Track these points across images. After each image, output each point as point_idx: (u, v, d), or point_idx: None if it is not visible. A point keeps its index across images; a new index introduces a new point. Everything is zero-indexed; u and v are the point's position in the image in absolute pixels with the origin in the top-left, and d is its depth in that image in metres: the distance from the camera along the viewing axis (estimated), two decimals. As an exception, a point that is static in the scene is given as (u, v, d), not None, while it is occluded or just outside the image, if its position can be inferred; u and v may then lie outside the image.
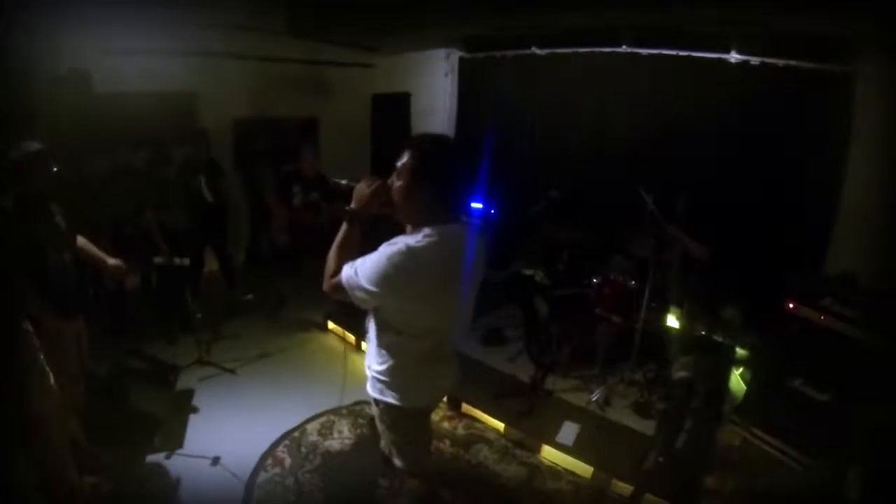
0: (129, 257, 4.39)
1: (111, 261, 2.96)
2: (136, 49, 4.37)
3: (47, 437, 2.39)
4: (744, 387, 3.98)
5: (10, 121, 3.30)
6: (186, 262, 3.95)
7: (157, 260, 3.96)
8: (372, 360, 2.10)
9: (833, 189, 3.63)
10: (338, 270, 1.92)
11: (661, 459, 1.42)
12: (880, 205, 3.32)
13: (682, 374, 1.68)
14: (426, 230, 1.85)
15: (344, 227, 1.99)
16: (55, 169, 2.66)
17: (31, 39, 3.54)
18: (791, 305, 3.28)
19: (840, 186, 3.61)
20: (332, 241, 1.98)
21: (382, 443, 2.31)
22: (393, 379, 2.04)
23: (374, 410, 2.25)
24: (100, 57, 4.33)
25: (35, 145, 2.61)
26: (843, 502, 2.58)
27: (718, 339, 4.39)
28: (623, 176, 4.50)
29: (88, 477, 2.79)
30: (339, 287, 1.89)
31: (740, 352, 4.41)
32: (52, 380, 2.40)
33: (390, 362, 2.02)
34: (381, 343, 2.03)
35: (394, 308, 1.91)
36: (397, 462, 2.27)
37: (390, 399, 2.07)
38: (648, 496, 2.95)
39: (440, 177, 1.86)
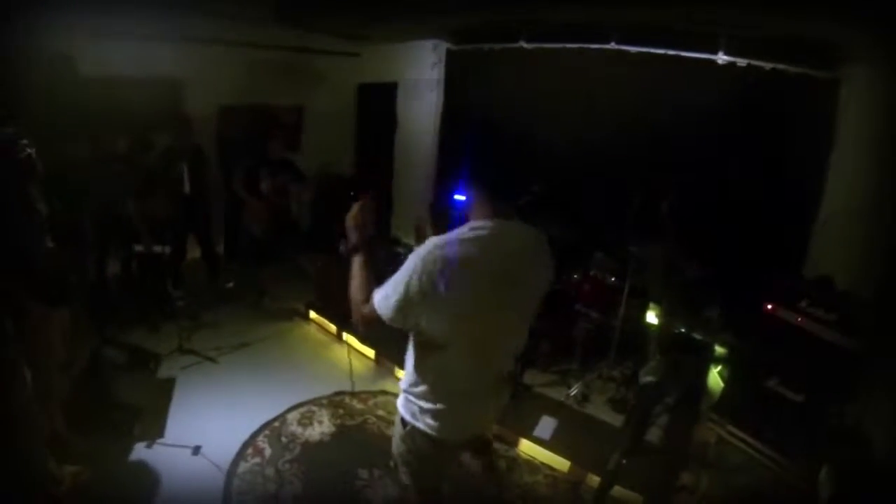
0: (110, 244, 4.43)
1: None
2: (122, 34, 4.28)
3: (24, 430, 2.37)
4: (721, 384, 4.08)
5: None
6: (167, 250, 3.92)
7: (138, 248, 3.93)
8: (407, 379, 1.87)
9: (814, 193, 3.70)
10: (365, 300, 1.75)
11: (624, 461, 1.41)
12: (861, 210, 3.38)
13: (648, 378, 1.70)
14: (473, 223, 1.68)
15: (353, 263, 1.85)
16: (29, 151, 2.55)
17: (14, 23, 3.45)
18: (769, 307, 3.35)
19: (821, 190, 3.67)
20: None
21: (395, 454, 2.03)
22: (430, 404, 1.78)
23: (396, 424, 1.97)
24: (86, 41, 4.25)
25: (6, 130, 2.52)
26: (816, 502, 2.67)
27: (697, 336, 4.50)
28: (607, 173, 4.56)
29: (68, 466, 2.79)
30: (372, 312, 1.70)
31: (719, 350, 4.52)
32: (27, 373, 2.39)
33: (429, 384, 1.78)
34: (420, 361, 1.80)
35: (434, 313, 1.63)
36: (404, 481, 2.02)
37: (423, 426, 1.81)
38: (621, 490, 3.04)
39: (483, 161, 1.72)
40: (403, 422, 1.89)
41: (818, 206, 3.69)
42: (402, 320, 1.65)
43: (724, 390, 3.82)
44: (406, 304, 1.60)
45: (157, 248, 3.88)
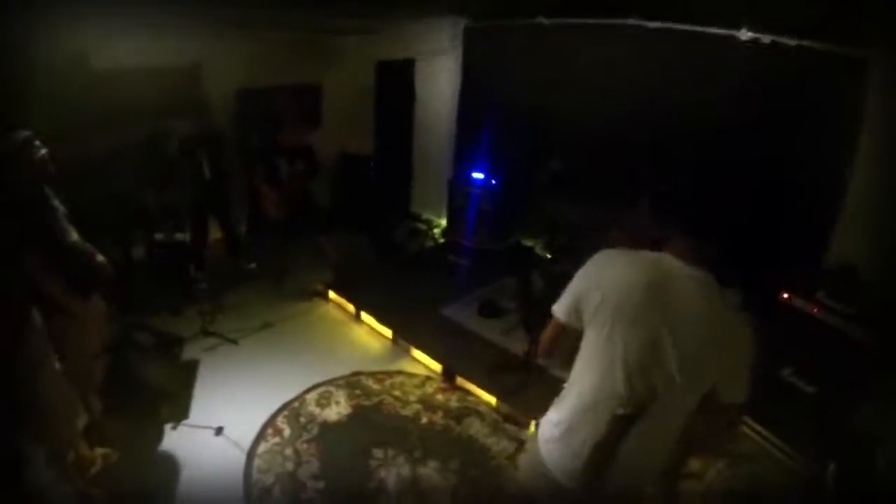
0: (133, 232, 4.57)
1: (99, 257, 2.94)
2: (136, 23, 4.29)
3: (56, 417, 2.51)
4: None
5: (8, 104, 3.32)
6: (187, 237, 4.02)
7: (158, 237, 4.04)
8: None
9: (840, 178, 3.55)
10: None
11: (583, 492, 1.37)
12: (888, 198, 3.24)
13: (620, 412, 1.62)
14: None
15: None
16: (43, 152, 2.66)
17: (27, 18, 3.49)
18: (786, 295, 3.28)
19: (847, 176, 3.52)
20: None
21: None
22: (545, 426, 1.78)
23: None
24: (99, 33, 4.26)
25: (24, 133, 2.62)
26: (822, 495, 2.66)
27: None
28: (626, 151, 4.46)
29: (98, 449, 2.97)
30: (552, 329, 1.76)
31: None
32: (56, 364, 2.51)
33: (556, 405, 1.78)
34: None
35: (584, 310, 1.63)
36: None
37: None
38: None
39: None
40: None
41: (843, 193, 3.54)
42: (566, 320, 1.71)
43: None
44: (562, 302, 1.73)
45: (178, 236, 3.98)
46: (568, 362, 1.74)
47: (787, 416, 3.20)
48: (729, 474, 3.03)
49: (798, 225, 3.65)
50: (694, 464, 3.18)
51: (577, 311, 1.67)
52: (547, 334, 1.83)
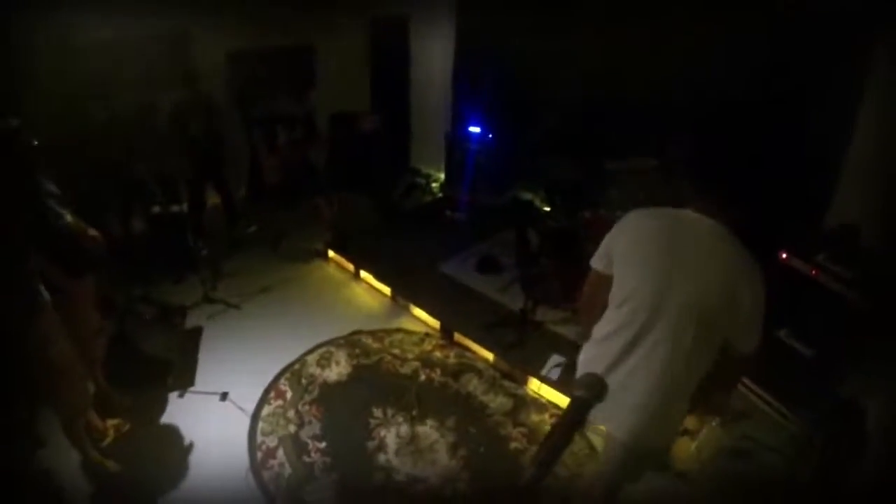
0: (129, 206, 4.57)
1: (91, 232, 2.90)
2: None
3: (67, 390, 2.62)
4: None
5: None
6: (184, 207, 4.03)
7: (155, 209, 4.05)
8: None
9: (843, 135, 3.36)
10: None
11: (537, 473, 1.36)
12: (892, 160, 3.07)
13: (579, 393, 1.63)
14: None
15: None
16: (35, 143, 2.66)
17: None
18: (784, 256, 3.19)
19: (850, 132, 3.33)
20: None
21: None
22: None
23: None
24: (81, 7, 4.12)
25: (13, 121, 2.59)
26: (812, 456, 2.69)
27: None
28: (625, 108, 4.29)
29: (110, 420, 3.11)
30: (589, 283, 2.02)
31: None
32: (64, 338, 2.60)
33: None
34: None
35: (612, 255, 1.87)
36: None
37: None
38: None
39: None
40: None
41: (846, 150, 3.36)
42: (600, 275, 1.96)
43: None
44: (598, 255, 1.98)
45: (175, 208, 3.99)
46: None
47: (782, 377, 3.21)
48: (722, 432, 3.07)
49: (799, 182, 3.50)
50: (689, 422, 3.24)
51: (608, 256, 1.90)
52: (586, 289, 2.06)
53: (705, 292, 1.67)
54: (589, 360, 1.91)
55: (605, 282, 1.88)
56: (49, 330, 2.48)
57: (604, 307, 1.89)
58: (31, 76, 3.86)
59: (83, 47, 4.31)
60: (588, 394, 1.60)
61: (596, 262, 1.94)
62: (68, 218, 2.84)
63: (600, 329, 1.89)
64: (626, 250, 1.82)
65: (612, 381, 1.71)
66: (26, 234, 2.50)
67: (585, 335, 2.01)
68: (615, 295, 1.83)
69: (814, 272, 3.01)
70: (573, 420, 1.60)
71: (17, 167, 2.61)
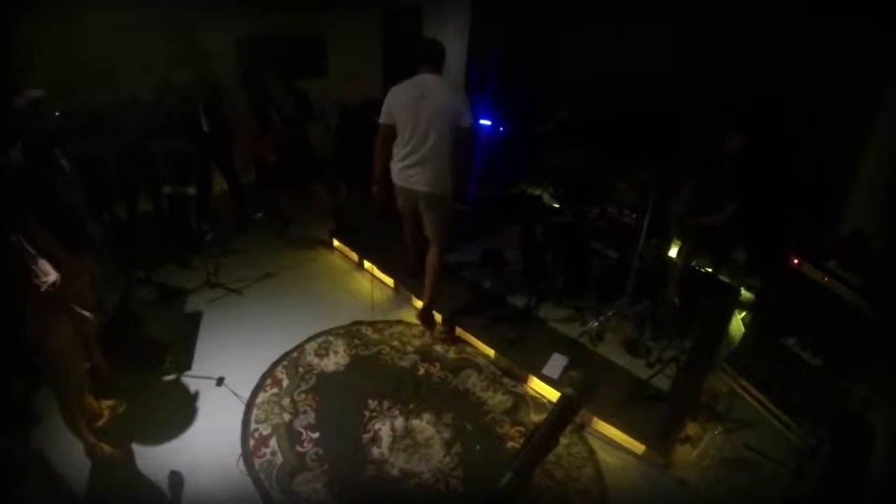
0: (139, 186, 4.57)
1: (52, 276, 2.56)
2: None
3: (64, 369, 2.61)
4: (742, 330, 3.91)
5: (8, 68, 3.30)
6: (193, 190, 4.01)
7: (166, 190, 4.04)
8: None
9: (860, 140, 3.25)
10: None
11: (514, 479, 1.32)
12: None
13: (567, 390, 1.58)
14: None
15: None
16: (57, 114, 2.71)
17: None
18: (796, 261, 3.09)
19: (867, 138, 3.22)
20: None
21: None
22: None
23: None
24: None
25: (37, 92, 2.63)
26: (815, 468, 2.60)
27: (723, 278, 4.27)
28: (637, 102, 4.21)
29: (105, 401, 3.10)
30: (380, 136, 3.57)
31: (745, 294, 4.30)
32: (64, 318, 2.58)
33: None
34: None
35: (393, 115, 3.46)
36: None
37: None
38: (623, 437, 3.07)
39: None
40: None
41: (861, 157, 3.26)
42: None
43: (742, 341, 3.67)
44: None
45: (185, 189, 3.99)
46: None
47: (788, 386, 3.13)
48: (724, 441, 2.99)
49: (813, 187, 3.40)
50: (690, 429, 3.16)
51: (389, 114, 3.48)
52: (380, 139, 3.59)
53: (435, 112, 3.31)
54: (397, 172, 3.58)
55: (391, 130, 3.49)
56: (49, 307, 2.46)
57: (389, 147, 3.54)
58: (44, 53, 3.85)
59: (97, 25, 4.28)
60: (576, 391, 1.55)
61: (383, 119, 3.50)
62: (73, 196, 2.85)
63: (398, 153, 3.53)
64: (396, 108, 3.42)
65: (413, 170, 3.48)
66: (29, 206, 2.51)
67: (379, 167, 3.63)
68: (400, 132, 3.45)
69: (825, 279, 2.91)
70: (558, 420, 1.56)
71: (38, 137, 2.64)
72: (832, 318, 2.90)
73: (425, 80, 3.36)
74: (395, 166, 3.55)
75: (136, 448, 2.93)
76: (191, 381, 3.40)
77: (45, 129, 2.68)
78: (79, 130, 3.60)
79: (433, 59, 3.41)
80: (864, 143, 3.24)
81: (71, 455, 2.81)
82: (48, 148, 2.72)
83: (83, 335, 2.81)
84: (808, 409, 2.96)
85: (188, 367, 3.49)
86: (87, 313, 2.71)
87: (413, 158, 3.43)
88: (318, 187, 4.80)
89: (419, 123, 3.33)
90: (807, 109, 3.43)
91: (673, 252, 3.82)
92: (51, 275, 2.41)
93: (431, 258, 3.75)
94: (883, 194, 3.11)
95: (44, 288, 2.35)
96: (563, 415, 1.58)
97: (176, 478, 2.78)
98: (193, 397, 3.29)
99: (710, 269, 4.10)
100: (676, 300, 3.64)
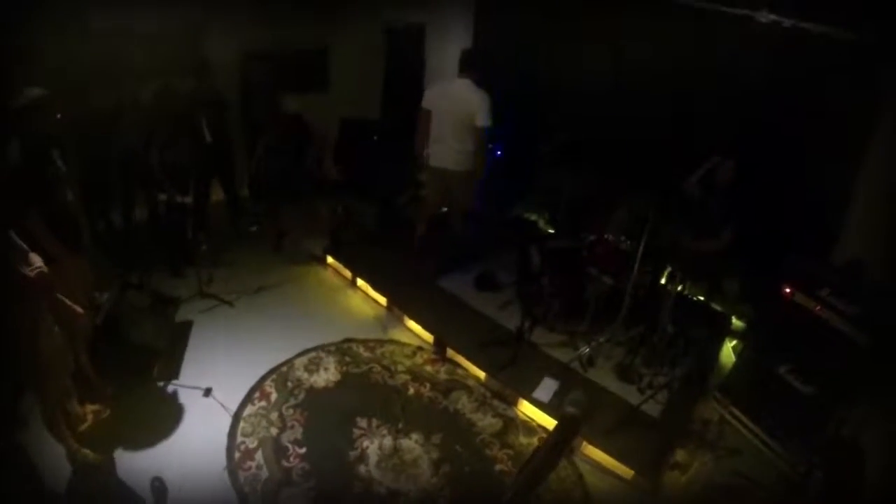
0: (136, 192, 4.57)
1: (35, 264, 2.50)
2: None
3: (50, 369, 2.56)
4: (733, 358, 3.94)
5: (11, 65, 3.34)
6: (189, 199, 4.02)
7: (162, 197, 4.04)
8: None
9: (853, 170, 3.35)
10: None
11: (515, 499, 1.31)
12: None
13: (570, 409, 1.59)
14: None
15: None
16: (59, 116, 2.74)
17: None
18: (788, 290, 3.14)
19: (858, 169, 3.32)
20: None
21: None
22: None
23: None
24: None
25: (38, 91, 2.65)
26: (805, 498, 2.60)
27: (714, 307, 4.32)
28: (635, 127, 4.31)
29: (90, 405, 3.04)
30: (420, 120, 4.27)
31: (736, 323, 4.34)
32: (52, 321, 2.54)
33: None
34: None
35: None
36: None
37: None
38: (612, 462, 3.05)
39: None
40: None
41: (855, 186, 3.35)
42: None
43: (734, 369, 3.69)
44: None
45: (180, 199, 3.99)
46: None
47: (779, 414, 3.13)
48: (713, 467, 2.98)
49: (806, 216, 3.47)
50: (679, 455, 3.15)
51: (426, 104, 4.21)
52: (421, 125, 4.26)
53: (458, 110, 4.01)
54: (433, 153, 4.28)
55: (426, 115, 4.19)
56: (39, 310, 2.44)
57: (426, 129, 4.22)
58: (47, 58, 3.89)
59: (101, 32, 4.36)
60: (578, 410, 1.55)
61: (423, 105, 4.21)
62: (70, 196, 2.86)
63: (433, 137, 4.22)
64: (428, 102, 4.17)
65: (444, 148, 4.19)
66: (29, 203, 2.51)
67: (422, 148, 4.33)
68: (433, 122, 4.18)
69: (817, 308, 2.95)
70: (560, 439, 1.55)
71: (36, 136, 2.65)
72: (825, 347, 2.92)
73: (454, 82, 4.08)
74: (429, 150, 4.30)
75: (119, 455, 2.86)
76: (178, 390, 3.34)
77: (44, 128, 2.69)
78: (79, 133, 3.62)
79: (464, 65, 4.05)
80: (856, 171, 3.34)
81: (53, 459, 2.73)
82: (46, 148, 2.72)
83: (72, 332, 2.76)
84: (799, 437, 2.96)
85: (176, 376, 3.45)
86: (78, 308, 2.69)
87: (439, 145, 4.22)
88: (317, 205, 4.84)
89: (442, 120, 4.11)
90: (799, 139, 3.54)
91: (666, 279, 3.87)
92: (36, 262, 2.38)
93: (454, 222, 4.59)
94: (876, 222, 3.18)
95: (31, 274, 2.32)
96: (564, 434, 1.57)
97: (158, 485, 2.71)
98: (180, 406, 3.24)
99: (702, 298, 4.14)
100: (669, 327, 3.66)
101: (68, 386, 2.83)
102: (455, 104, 4.01)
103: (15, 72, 3.51)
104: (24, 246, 2.38)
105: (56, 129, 2.75)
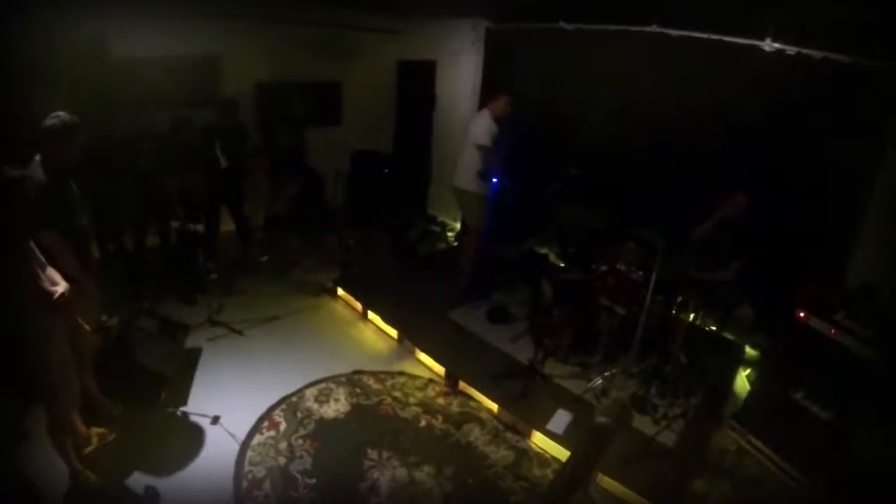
0: (149, 219, 4.64)
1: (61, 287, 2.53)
2: (159, 13, 4.38)
3: (59, 381, 2.52)
4: (748, 387, 3.88)
5: (33, 88, 3.45)
6: (200, 227, 4.07)
7: (174, 224, 4.10)
8: None
9: (864, 194, 3.40)
10: None
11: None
12: None
13: (602, 419, 1.55)
14: None
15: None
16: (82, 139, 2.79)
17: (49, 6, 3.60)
18: (802, 314, 3.12)
19: (869, 194, 3.37)
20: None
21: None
22: None
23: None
24: (120, 22, 4.37)
25: (72, 118, 2.72)
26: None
27: (728, 336, 4.29)
28: (644, 160, 4.39)
29: (95, 428, 2.99)
30: None
31: (749, 352, 4.30)
32: (65, 334, 2.54)
33: None
34: None
35: None
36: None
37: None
38: (627, 492, 2.96)
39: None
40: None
41: (866, 208, 3.39)
42: None
43: (750, 397, 3.62)
44: None
45: (192, 226, 4.04)
46: None
47: (797, 441, 3.05)
48: (733, 497, 2.88)
49: (819, 240, 3.50)
50: (697, 485, 3.05)
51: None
52: None
53: (469, 133, 4.58)
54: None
55: None
56: (52, 326, 2.44)
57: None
58: (66, 84, 4.03)
59: (117, 61, 4.51)
60: (613, 420, 1.51)
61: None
62: (84, 220, 2.92)
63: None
64: None
65: (457, 168, 4.71)
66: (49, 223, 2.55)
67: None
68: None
69: (832, 331, 2.92)
70: (593, 451, 1.52)
71: (61, 160, 2.71)
72: (841, 370, 2.88)
73: (479, 112, 4.71)
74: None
75: (123, 480, 2.78)
76: (186, 418, 3.29)
77: (66, 152, 2.73)
78: (95, 159, 3.69)
79: (483, 99, 4.87)
80: (868, 197, 3.37)
81: (54, 477, 2.67)
82: (64, 171, 2.78)
83: (80, 351, 2.74)
84: (818, 464, 2.88)
85: (184, 403, 3.40)
86: (88, 327, 2.68)
87: (456, 166, 4.75)
88: (329, 238, 4.90)
89: (464, 142, 4.69)
90: (811, 171, 3.62)
91: (677, 308, 3.86)
92: (60, 285, 2.40)
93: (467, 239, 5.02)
94: (887, 245, 3.20)
95: (55, 297, 2.33)
96: (596, 445, 1.53)
97: (152, 493, 2.66)
98: (187, 433, 3.17)
99: (714, 328, 4.12)
100: (683, 357, 3.62)
101: (76, 399, 2.77)
102: (469, 129, 4.61)
103: (35, 96, 3.62)
104: (43, 259, 2.41)
105: (75, 154, 2.79)
